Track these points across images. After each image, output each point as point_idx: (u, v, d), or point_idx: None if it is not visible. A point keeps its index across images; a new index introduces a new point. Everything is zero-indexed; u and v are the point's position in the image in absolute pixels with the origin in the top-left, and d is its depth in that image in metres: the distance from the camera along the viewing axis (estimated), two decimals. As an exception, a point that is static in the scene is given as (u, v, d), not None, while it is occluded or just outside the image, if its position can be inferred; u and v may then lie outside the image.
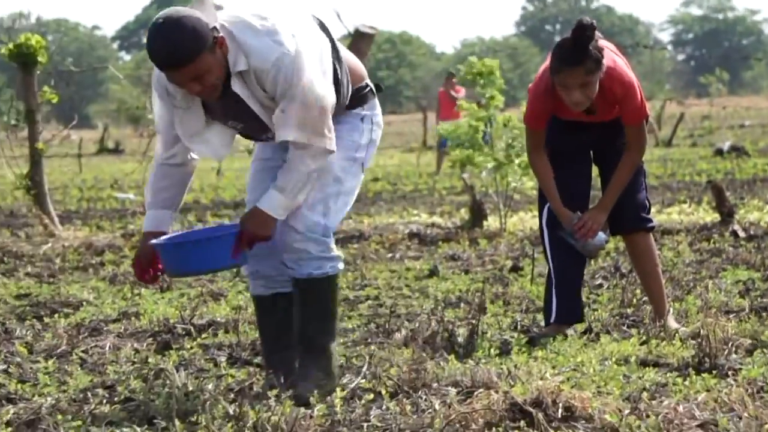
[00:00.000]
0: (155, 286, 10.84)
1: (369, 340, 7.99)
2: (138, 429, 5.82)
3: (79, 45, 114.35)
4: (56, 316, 9.39)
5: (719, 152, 29.50)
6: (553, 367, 6.92)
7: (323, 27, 6.35)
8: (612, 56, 7.69)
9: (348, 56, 6.47)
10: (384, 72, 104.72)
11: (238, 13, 6.03)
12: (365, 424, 5.81)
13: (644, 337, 7.67)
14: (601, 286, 10.05)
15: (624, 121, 7.78)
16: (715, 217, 13.91)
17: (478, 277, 10.80)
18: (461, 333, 7.84)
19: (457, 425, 5.68)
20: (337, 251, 6.54)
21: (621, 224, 8.08)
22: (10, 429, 5.92)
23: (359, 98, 6.51)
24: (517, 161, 14.28)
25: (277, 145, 6.38)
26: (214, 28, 5.85)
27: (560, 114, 7.78)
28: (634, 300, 8.94)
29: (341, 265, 6.55)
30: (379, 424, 5.80)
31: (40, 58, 15.62)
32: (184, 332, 8.45)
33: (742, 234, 12.67)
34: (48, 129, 16.87)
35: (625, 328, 8.13)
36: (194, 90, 5.94)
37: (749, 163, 25.13)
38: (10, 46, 15.62)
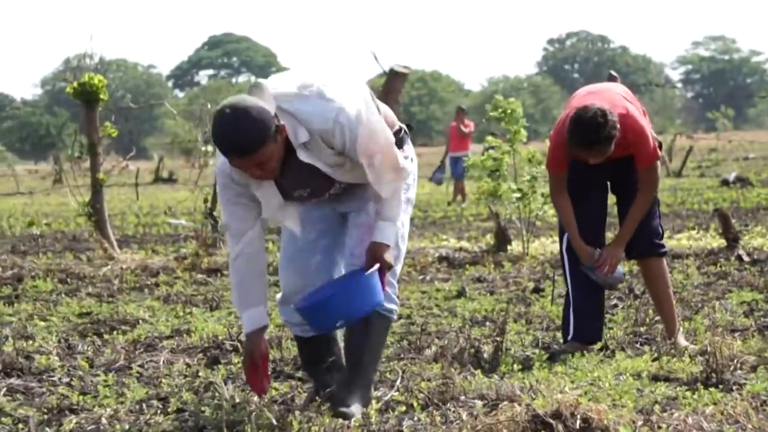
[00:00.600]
0: (205, 306, 10.87)
1: (401, 356, 7.97)
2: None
3: (136, 83, 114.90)
4: (115, 333, 9.41)
5: (725, 182, 29.43)
6: (572, 382, 6.91)
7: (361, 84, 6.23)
8: (625, 104, 7.75)
9: (382, 107, 6.34)
10: (416, 107, 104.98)
11: (284, 87, 5.90)
12: (398, 434, 5.80)
13: (656, 354, 7.66)
14: (616, 306, 10.02)
15: (637, 164, 7.84)
16: (722, 242, 13.86)
17: (502, 297, 10.78)
18: (486, 349, 7.83)
19: (483, 435, 5.67)
20: (398, 303, 6.56)
21: (636, 250, 8.06)
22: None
23: (398, 141, 6.34)
24: (539, 191, 14.33)
25: (324, 221, 6.40)
26: (275, 116, 5.73)
27: (579, 158, 7.78)
28: (647, 320, 8.91)
29: (396, 315, 6.61)
30: (411, 434, 5.79)
31: (101, 96, 15.69)
32: (231, 348, 8.45)
33: (746, 258, 12.65)
34: (108, 160, 16.92)
35: (638, 345, 8.12)
36: (255, 174, 5.83)
37: (753, 192, 25.03)
38: (75, 84, 15.70)
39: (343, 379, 6.35)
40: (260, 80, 5.87)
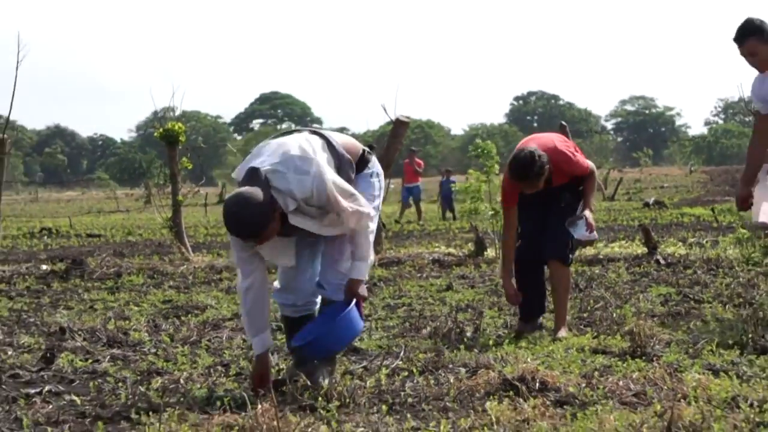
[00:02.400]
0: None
1: (404, 334, 7.96)
2: (245, 393, 5.80)
3: (206, 129, 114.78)
4: (189, 315, 9.40)
5: (646, 205, 29.40)
6: (532, 354, 6.89)
7: (318, 134, 6.06)
8: (555, 145, 7.71)
9: (343, 141, 6.13)
10: (416, 147, 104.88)
11: (271, 162, 5.67)
12: (402, 393, 5.78)
13: (595, 334, 7.62)
14: (565, 297, 9.98)
15: (579, 175, 7.80)
16: (644, 250, 13.81)
17: (480, 290, 10.75)
18: (468, 329, 7.83)
19: (466, 394, 5.66)
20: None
21: (547, 252, 7.89)
22: (158, 393, 5.92)
23: (363, 162, 6.18)
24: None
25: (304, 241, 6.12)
26: (272, 197, 5.56)
27: (519, 189, 7.73)
28: (588, 308, 8.89)
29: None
30: (411, 393, 5.77)
31: (180, 138, 15.73)
32: (277, 327, 8.43)
33: (662, 262, 12.60)
34: (185, 186, 16.93)
35: (582, 327, 8.08)
36: (259, 244, 5.72)
37: (667, 212, 25.03)
38: (161, 130, 15.78)
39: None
40: (254, 165, 5.68)
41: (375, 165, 6.32)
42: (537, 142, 7.73)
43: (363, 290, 6.02)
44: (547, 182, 7.65)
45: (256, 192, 5.53)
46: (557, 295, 7.90)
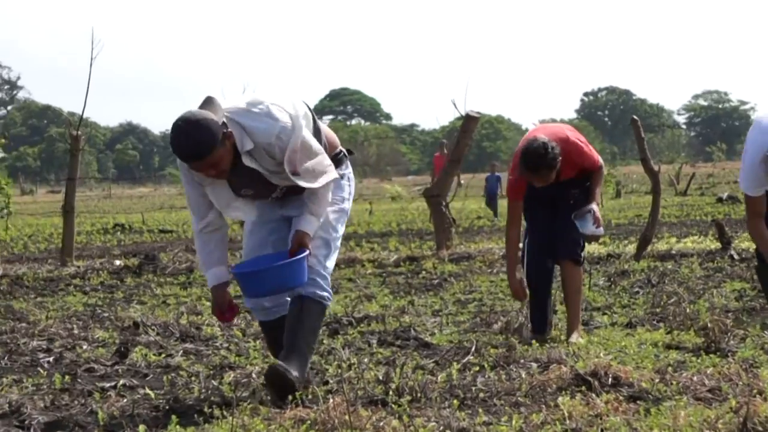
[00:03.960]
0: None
1: (475, 329, 7.95)
2: (316, 387, 5.83)
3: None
4: (261, 310, 9.43)
5: (720, 200, 29.16)
6: (605, 349, 6.86)
7: (306, 106, 5.75)
8: (566, 134, 7.39)
9: (325, 130, 5.93)
10: (486, 143, 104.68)
11: (237, 103, 5.47)
12: (473, 388, 5.76)
13: (669, 329, 7.57)
14: (637, 292, 9.92)
15: (587, 168, 7.46)
16: (718, 245, 13.69)
17: (552, 285, 10.68)
18: (540, 325, 7.78)
19: (538, 389, 5.64)
20: (329, 289, 5.91)
21: (557, 252, 7.55)
22: (230, 387, 5.96)
23: (337, 161, 5.90)
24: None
25: (275, 207, 5.87)
26: (223, 123, 5.30)
27: (529, 181, 7.37)
28: (662, 303, 8.81)
29: (329, 303, 5.97)
30: (483, 388, 5.75)
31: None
32: (347, 322, 8.46)
33: (736, 257, 12.49)
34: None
35: (655, 322, 8.02)
36: (210, 174, 5.41)
37: (740, 207, 24.75)
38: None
39: (283, 353, 5.73)
40: (211, 95, 5.42)
41: (348, 168, 6.09)
42: (547, 132, 7.38)
43: (308, 243, 5.67)
44: (557, 176, 7.31)
45: (206, 112, 5.29)
46: (569, 296, 7.57)
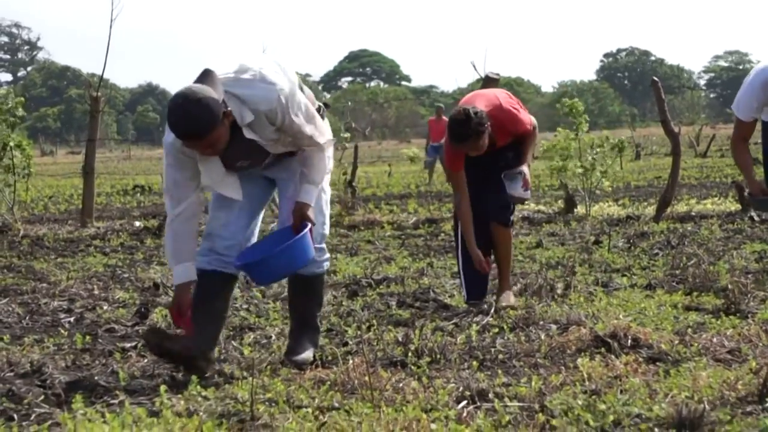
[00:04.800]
0: (347, 253, 10.90)
1: (493, 291, 7.94)
2: (336, 348, 5.85)
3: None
4: (280, 271, 9.45)
5: (740, 161, 28.97)
6: (624, 311, 6.85)
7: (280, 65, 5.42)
8: (498, 101, 7.20)
9: (305, 89, 5.61)
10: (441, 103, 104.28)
11: (228, 72, 5.18)
12: (492, 349, 5.77)
13: (688, 290, 7.56)
14: (657, 254, 9.90)
15: (521, 134, 7.27)
16: (738, 206, 13.66)
17: (570, 248, 10.70)
18: (559, 286, 7.78)
19: (557, 350, 5.64)
20: (327, 253, 5.77)
21: (487, 215, 7.43)
22: (250, 348, 5.98)
23: None
24: (598, 168, 14.34)
25: (248, 175, 5.59)
26: (223, 101, 5.04)
27: (463, 152, 7.20)
28: (681, 264, 8.79)
29: (327, 264, 5.79)
30: (502, 349, 5.76)
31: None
32: (366, 284, 8.47)
33: (756, 219, 12.45)
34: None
35: (674, 284, 8.00)
36: (206, 153, 5.16)
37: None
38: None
39: (292, 331, 5.74)
40: (208, 67, 5.13)
41: (326, 125, 5.75)
42: (481, 99, 7.22)
43: (311, 214, 5.46)
44: (492, 143, 7.12)
45: (207, 89, 5.03)
46: (500, 258, 7.49)
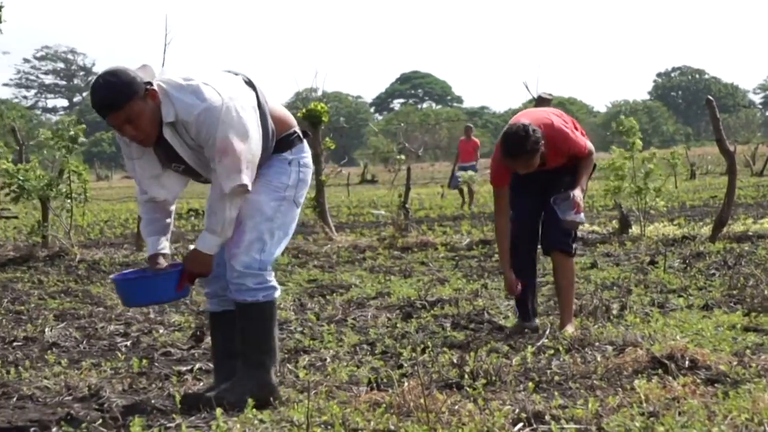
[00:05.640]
0: (400, 275, 10.90)
1: (549, 313, 7.91)
2: (391, 371, 5.84)
3: (348, 109, 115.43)
4: (334, 294, 9.48)
5: (797, 180, 28.72)
6: (681, 332, 6.80)
7: (251, 84, 5.24)
8: (551, 119, 7.08)
9: (275, 108, 5.33)
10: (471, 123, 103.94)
11: (171, 74, 5.08)
12: (548, 371, 5.75)
13: (746, 311, 7.49)
14: (713, 274, 9.81)
15: (577, 156, 7.14)
16: (796, 226, 13.55)
17: (625, 268, 10.63)
18: (614, 307, 7.74)
19: (613, 372, 5.60)
20: (273, 282, 5.34)
21: (546, 242, 7.27)
22: (305, 371, 5.99)
23: (286, 144, 5.32)
24: (651, 187, 14.26)
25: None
26: (148, 82, 4.96)
27: (512, 170, 7.08)
28: (738, 285, 8.71)
29: (276, 294, 5.35)
30: (558, 371, 5.73)
31: (323, 119, 15.88)
32: (421, 306, 8.46)
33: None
34: (327, 167, 17.05)
35: (732, 304, 7.93)
36: (129, 133, 5.00)
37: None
38: (304, 110, 15.92)
39: (238, 365, 5.37)
40: (147, 63, 5.10)
41: (301, 152, 5.43)
42: (532, 117, 7.10)
43: (201, 266, 5.29)
44: (543, 163, 7.02)
45: (132, 69, 5.00)
46: (561, 288, 7.24)
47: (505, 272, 7.33)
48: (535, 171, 7.05)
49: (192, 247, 5.41)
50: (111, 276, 5.53)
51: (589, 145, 7.24)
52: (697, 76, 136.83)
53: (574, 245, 7.28)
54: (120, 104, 4.91)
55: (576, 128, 7.28)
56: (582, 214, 7.06)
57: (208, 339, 7.16)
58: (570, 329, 7.00)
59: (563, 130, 7.09)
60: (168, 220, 5.43)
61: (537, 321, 7.37)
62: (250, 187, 5.14)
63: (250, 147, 5.07)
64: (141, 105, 4.93)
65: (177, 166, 5.22)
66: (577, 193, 7.02)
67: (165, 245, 5.43)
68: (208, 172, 5.18)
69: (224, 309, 5.48)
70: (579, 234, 14.08)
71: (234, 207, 5.15)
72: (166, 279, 5.31)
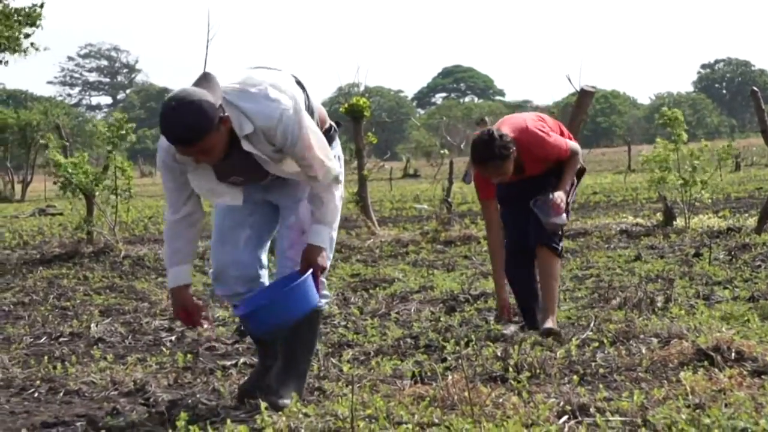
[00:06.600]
0: (443, 268, 10.89)
1: (593, 305, 7.88)
2: (434, 364, 5.84)
3: (390, 104, 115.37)
4: (377, 288, 9.49)
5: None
6: (727, 323, 6.74)
7: (299, 83, 5.14)
8: (525, 124, 6.87)
9: (317, 107, 5.25)
10: (601, 118, 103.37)
11: (234, 82, 4.88)
12: (593, 363, 5.73)
13: (793, 303, 7.43)
14: (759, 266, 9.73)
15: (556, 158, 6.94)
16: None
17: (670, 260, 10.57)
18: (659, 299, 7.70)
19: (659, 364, 5.58)
20: (327, 292, 5.41)
21: (533, 237, 7.00)
22: (349, 365, 5.99)
23: (328, 138, 5.21)
24: (698, 179, 14.15)
25: (258, 190, 5.29)
26: (220, 107, 4.70)
27: (486, 177, 6.88)
28: (785, 276, 8.65)
29: (326, 303, 5.39)
30: (602, 364, 5.72)
31: (365, 113, 15.88)
32: (464, 300, 8.46)
33: None
34: (370, 161, 17.05)
35: (779, 296, 7.87)
36: (200, 160, 4.82)
37: None
38: (346, 105, 15.94)
39: (278, 371, 5.25)
40: (209, 72, 4.87)
41: (337, 146, 5.40)
42: (508, 123, 6.91)
43: (322, 259, 5.08)
44: (521, 170, 6.86)
45: (203, 92, 4.70)
46: (545, 283, 6.99)
47: (498, 293, 7.21)
48: (519, 181, 6.93)
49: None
50: (239, 312, 5.09)
51: (572, 145, 7.05)
52: (743, 67, 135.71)
53: (560, 244, 7.09)
54: (196, 141, 4.68)
55: (562, 133, 7.10)
56: (563, 216, 6.89)
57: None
58: (550, 323, 6.80)
59: (538, 134, 6.85)
60: (194, 247, 5.25)
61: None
62: (342, 176, 5.16)
63: (322, 140, 5.04)
64: (216, 137, 4.71)
65: (236, 178, 5.10)
66: (557, 194, 6.84)
67: (190, 276, 5.21)
68: (290, 173, 5.05)
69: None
70: (623, 227, 14.11)
71: (338, 195, 5.12)
72: (305, 285, 4.94)
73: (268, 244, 5.41)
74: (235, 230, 5.29)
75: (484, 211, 7.17)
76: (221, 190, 5.10)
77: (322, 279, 5.14)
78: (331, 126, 5.36)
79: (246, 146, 4.84)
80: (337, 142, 5.37)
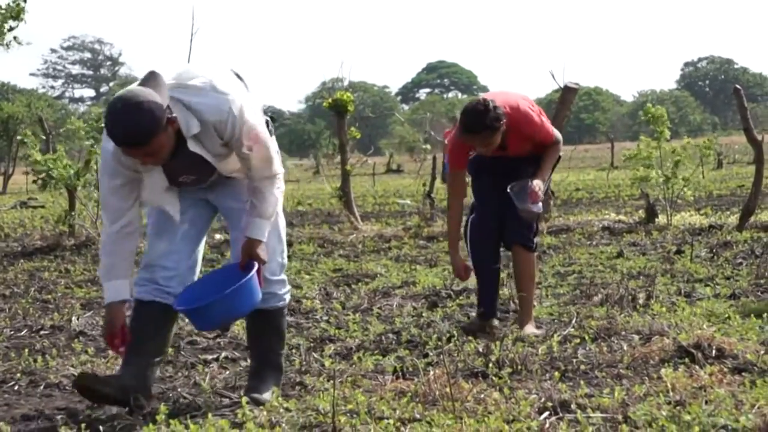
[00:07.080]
0: (426, 264, 10.89)
1: (575, 302, 7.89)
2: (416, 359, 5.85)
3: (373, 99, 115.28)
4: (359, 283, 9.49)
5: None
6: (708, 320, 6.76)
7: (238, 76, 5.06)
8: (517, 102, 6.77)
9: (254, 99, 5.10)
10: (584, 115, 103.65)
11: (178, 79, 4.74)
12: (574, 360, 5.73)
13: (773, 300, 7.45)
14: (741, 264, 9.76)
15: (544, 144, 6.87)
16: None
17: (652, 258, 10.59)
18: (641, 296, 7.71)
19: (640, 361, 5.58)
20: (288, 284, 5.32)
21: (507, 237, 6.96)
22: (331, 360, 5.99)
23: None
24: (680, 177, 14.19)
25: (191, 196, 5.14)
26: (168, 107, 4.58)
27: (471, 147, 6.84)
28: (765, 273, 8.66)
29: (289, 296, 5.32)
30: (584, 360, 5.72)
31: (349, 108, 15.87)
32: (446, 295, 8.47)
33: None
34: (353, 156, 17.07)
35: (759, 293, 7.90)
36: (145, 162, 4.70)
37: None
38: (330, 100, 15.93)
39: (253, 370, 5.26)
40: (155, 70, 4.70)
41: (274, 142, 5.17)
42: (499, 97, 6.73)
43: (262, 252, 4.96)
44: (504, 147, 6.75)
45: (150, 92, 4.56)
46: (521, 285, 6.91)
47: (452, 256, 7.17)
48: (497, 158, 6.84)
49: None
50: (179, 308, 4.96)
51: (557, 133, 6.98)
52: (726, 65, 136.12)
53: (535, 240, 7.02)
54: (144, 142, 4.55)
55: (543, 116, 6.96)
56: (540, 204, 6.77)
57: (233, 327, 7.18)
58: (529, 329, 6.72)
59: (528, 113, 6.77)
60: (132, 262, 5.07)
61: (497, 321, 7.00)
62: (281, 173, 5.09)
63: (266, 132, 4.97)
64: (163, 138, 4.60)
65: (186, 177, 4.99)
66: (536, 182, 6.71)
67: (128, 291, 5.05)
68: (237, 170, 5.01)
69: (154, 299, 5.09)
70: (606, 224, 14.12)
71: (277, 189, 5.03)
72: (250, 283, 4.86)
73: (202, 246, 5.28)
74: (171, 223, 5.12)
75: (453, 180, 7.07)
76: (168, 195, 5.01)
77: (282, 277, 5.19)
78: (267, 122, 5.17)
79: (192, 147, 4.76)
80: (272, 134, 5.17)
